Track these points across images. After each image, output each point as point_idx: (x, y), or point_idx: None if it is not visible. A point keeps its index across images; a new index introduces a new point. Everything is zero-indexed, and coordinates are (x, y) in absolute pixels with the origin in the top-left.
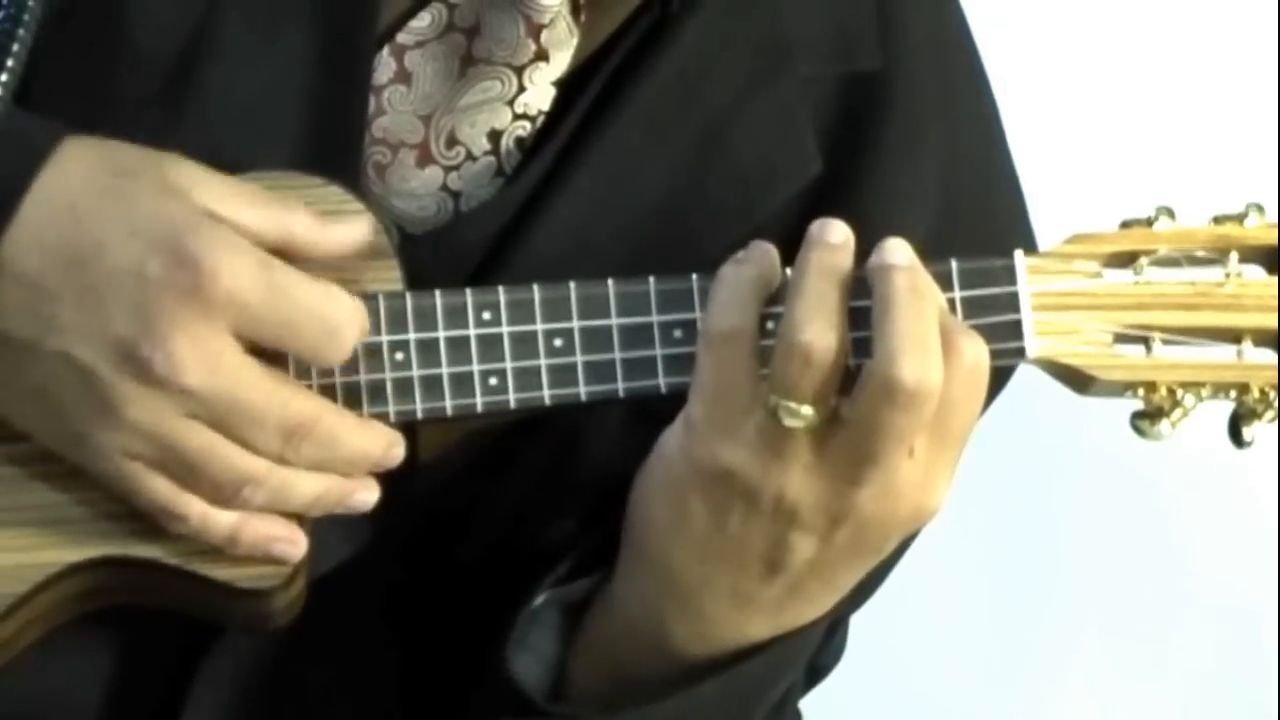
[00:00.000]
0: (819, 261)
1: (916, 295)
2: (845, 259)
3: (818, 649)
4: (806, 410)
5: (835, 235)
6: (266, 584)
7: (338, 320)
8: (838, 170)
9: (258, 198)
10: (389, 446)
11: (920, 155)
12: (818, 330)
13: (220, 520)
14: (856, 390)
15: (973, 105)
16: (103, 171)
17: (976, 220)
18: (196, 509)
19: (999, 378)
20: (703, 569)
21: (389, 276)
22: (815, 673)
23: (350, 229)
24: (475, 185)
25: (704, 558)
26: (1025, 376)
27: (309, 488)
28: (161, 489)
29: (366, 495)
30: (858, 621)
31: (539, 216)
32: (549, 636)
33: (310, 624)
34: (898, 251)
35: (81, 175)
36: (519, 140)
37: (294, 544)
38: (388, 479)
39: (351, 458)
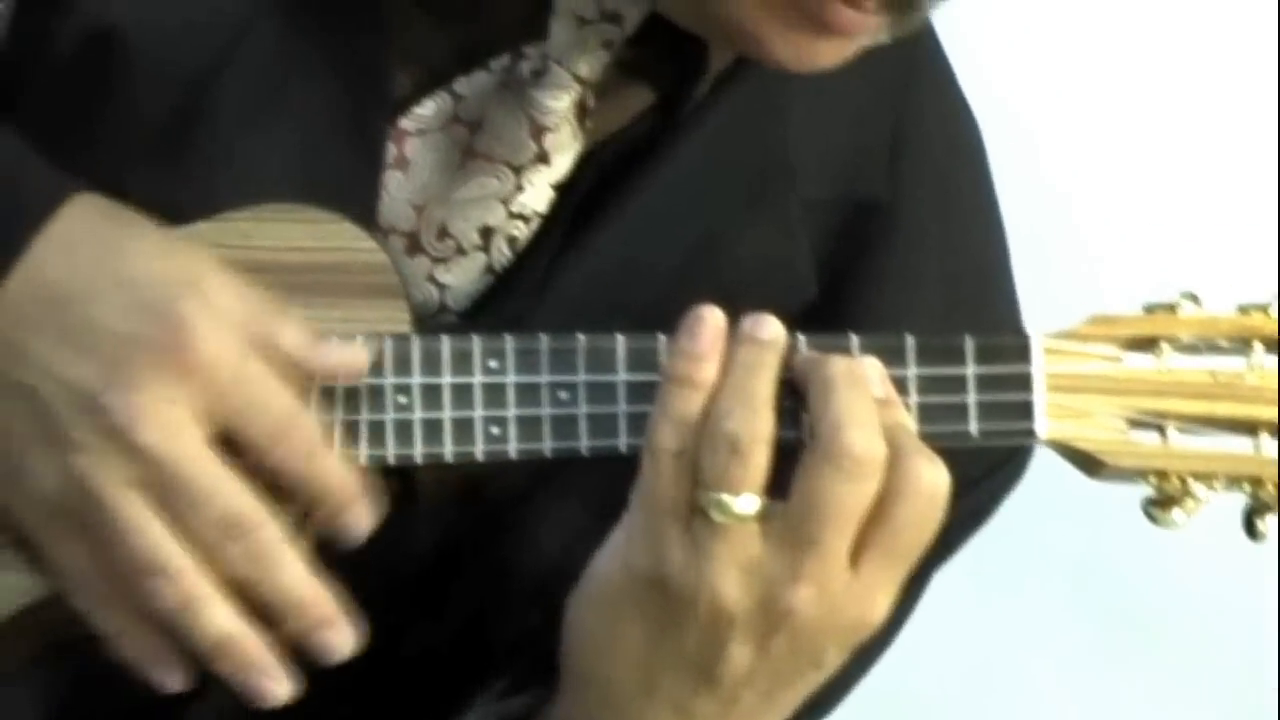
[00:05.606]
0: (746, 356)
1: (854, 379)
2: (773, 354)
3: None
4: (739, 504)
5: (764, 331)
6: None
7: (292, 425)
8: (832, 296)
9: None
10: (330, 612)
11: (917, 285)
12: (742, 417)
13: (111, 618)
14: (798, 470)
15: (976, 222)
16: (110, 224)
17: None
18: (94, 594)
19: (1014, 468)
20: (641, 682)
21: (397, 318)
22: None
23: (346, 354)
24: (463, 280)
25: (642, 671)
26: None
27: (219, 620)
28: (70, 557)
29: (274, 684)
30: None
31: (528, 322)
32: None
33: None
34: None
35: (88, 224)
36: (511, 239)
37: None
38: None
39: (286, 589)
